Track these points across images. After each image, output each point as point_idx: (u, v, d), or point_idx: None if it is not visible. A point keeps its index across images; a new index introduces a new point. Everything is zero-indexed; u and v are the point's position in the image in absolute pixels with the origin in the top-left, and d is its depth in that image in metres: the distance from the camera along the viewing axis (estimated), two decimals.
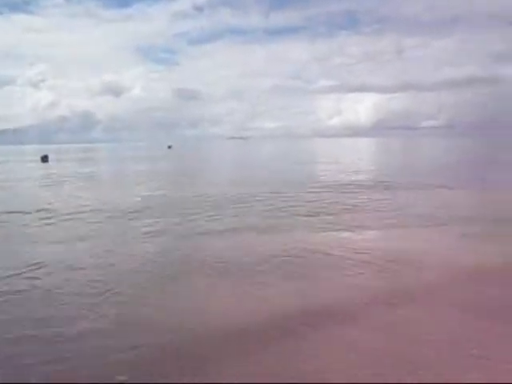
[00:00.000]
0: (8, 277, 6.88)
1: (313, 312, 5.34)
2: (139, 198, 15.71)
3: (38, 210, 13.35)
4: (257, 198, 15.03)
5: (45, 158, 47.84)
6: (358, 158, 43.33)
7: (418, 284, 6.35)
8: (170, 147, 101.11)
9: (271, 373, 3.98)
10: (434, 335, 4.69)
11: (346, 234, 9.56)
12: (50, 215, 12.52)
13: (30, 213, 13.01)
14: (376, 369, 4.01)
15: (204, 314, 5.38)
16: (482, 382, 3.76)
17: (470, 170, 27.55)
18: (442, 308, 5.49)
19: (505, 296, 5.85)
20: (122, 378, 3.94)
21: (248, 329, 4.91)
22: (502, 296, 5.85)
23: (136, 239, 9.38)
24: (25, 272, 7.11)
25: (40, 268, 7.33)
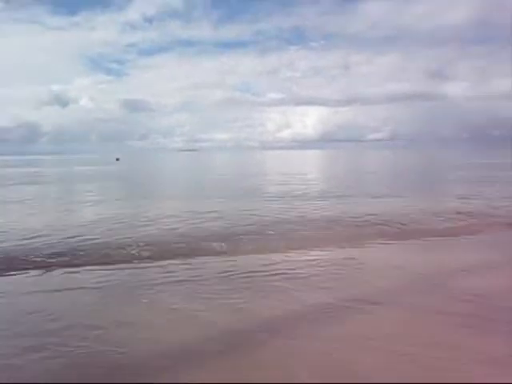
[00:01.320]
0: None
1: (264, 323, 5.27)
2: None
3: None
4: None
5: None
6: (303, 171, 44.31)
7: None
8: (118, 159, 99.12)
9: None
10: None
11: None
12: None
13: None
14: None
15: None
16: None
17: (407, 180, 29.64)
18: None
19: None
20: None
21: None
22: None
23: None
24: None
25: None
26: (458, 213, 13.72)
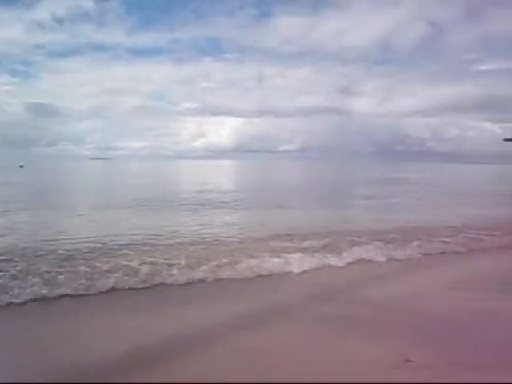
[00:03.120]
0: None
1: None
2: None
3: None
4: None
5: None
6: (217, 180, 44.49)
7: None
8: (21, 166, 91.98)
9: None
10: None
11: None
12: None
13: None
14: None
15: None
16: None
17: (313, 191, 30.89)
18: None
19: None
20: None
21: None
22: None
23: None
24: None
25: None
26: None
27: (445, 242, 10.91)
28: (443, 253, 9.98)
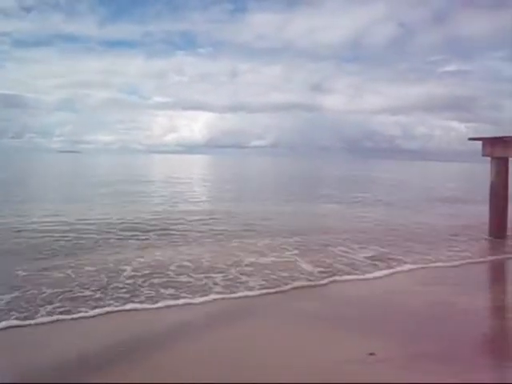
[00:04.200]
0: None
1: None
2: None
3: None
4: None
5: None
6: (190, 176, 44.47)
7: None
8: None
9: None
10: None
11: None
12: None
13: None
14: None
15: None
16: None
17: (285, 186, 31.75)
18: None
19: None
20: None
21: None
22: None
23: None
24: None
25: None
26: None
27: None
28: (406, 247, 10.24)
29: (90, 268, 7.64)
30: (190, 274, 7.43)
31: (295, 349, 4.71)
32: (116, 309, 5.76)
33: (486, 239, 11.33)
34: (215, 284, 6.90)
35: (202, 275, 7.33)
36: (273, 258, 8.69)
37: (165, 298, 6.20)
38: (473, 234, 12.02)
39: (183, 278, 7.16)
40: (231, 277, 7.29)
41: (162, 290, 6.52)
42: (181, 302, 6.12)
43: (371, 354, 4.42)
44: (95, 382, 3.91)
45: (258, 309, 6.03)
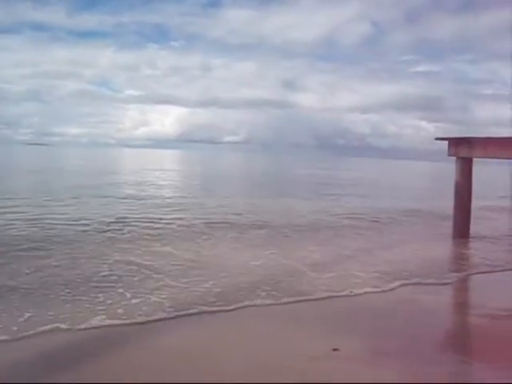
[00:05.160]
0: None
1: None
2: None
3: None
4: None
5: None
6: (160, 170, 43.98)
7: None
8: None
9: None
10: None
11: None
12: None
13: None
14: None
15: None
16: None
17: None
18: None
19: None
20: None
21: None
22: None
23: None
24: None
25: None
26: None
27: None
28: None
29: None
30: None
31: (257, 347, 4.70)
32: None
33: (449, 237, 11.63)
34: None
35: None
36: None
37: None
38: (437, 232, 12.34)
39: None
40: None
41: None
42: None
43: (335, 349, 4.46)
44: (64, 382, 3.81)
45: (220, 305, 5.96)
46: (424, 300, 6.40)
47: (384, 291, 6.74)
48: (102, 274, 7.01)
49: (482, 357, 4.64)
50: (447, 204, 12.63)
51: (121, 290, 6.25)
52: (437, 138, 12.70)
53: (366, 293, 6.61)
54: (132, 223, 11.55)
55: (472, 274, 8.26)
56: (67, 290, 6.16)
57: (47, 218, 11.62)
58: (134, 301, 5.88)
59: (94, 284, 6.51)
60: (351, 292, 6.56)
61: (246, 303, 6.01)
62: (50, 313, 5.34)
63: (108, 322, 5.19)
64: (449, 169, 13.73)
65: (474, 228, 11.83)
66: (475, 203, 12.18)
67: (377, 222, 13.97)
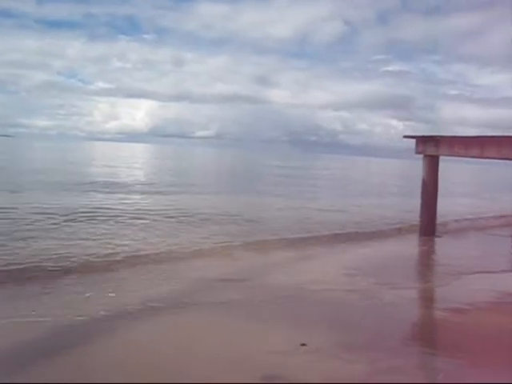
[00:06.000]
0: None
1: None
2: None
3: None
4: None
5: None
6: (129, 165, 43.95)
7: None
8: None
9: None
10: None
11: None
12: None
13: None
14: None
15: None
16: None
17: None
18: None
19: None
20: None
21: None
22: None
23: None
24: None
25: None
26: None
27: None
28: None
29: None
30: None
31: (223, 342, 4.69)
32: None
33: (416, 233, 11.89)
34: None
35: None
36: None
37: None
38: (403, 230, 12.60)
39: None
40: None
41: None
42: None
43: (303, 344, 4.49)
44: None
45: (183, 300, 5.91)
46: (389, 295, 6.53)
47: (350, 288, 6.85)
48: None
49: (446, 349, 4.79)
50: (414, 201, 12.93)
51: None
52: (405, 136, 12.94)
53: (330, 289, 6.69)
54: None
55: (436, 270, 8.50)
56: None
57: None
58: None
59: None
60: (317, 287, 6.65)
61: (209, 298, 6.00)
62: None
63: None
64: (417, 166, 14.03)
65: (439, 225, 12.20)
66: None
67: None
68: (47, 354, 4.16)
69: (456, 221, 14.69)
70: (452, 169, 54.51)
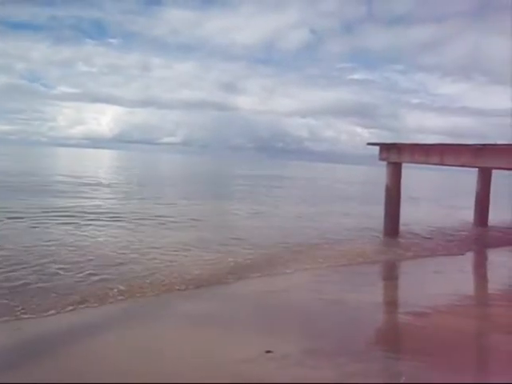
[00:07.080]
0: None
1: None
2: None
3: None
4: None
5: None
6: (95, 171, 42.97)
7: None
8: None
9: None
10: None
11: None
12: None
13: None
14: None
15: None
16: None
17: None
18: None
19: None
20: None
21: None
22: None
23: None
24: None
25: None
26: None
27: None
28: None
29: None
30: None
31: (190, 350, 4.66)
32: None
33: (380, 237, 12.15)
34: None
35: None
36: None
37: None
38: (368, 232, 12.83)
39: None
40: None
41: None
42: None
43: (268, 351, 4.49)
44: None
45: (152, 310, 5.89)
46: (352, 299, 6.63)
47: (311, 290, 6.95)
48: None
49: (409, 352, 4.89)
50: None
51: None
52: (368, 143, 13.26)
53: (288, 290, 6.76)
54: None
55: (396, 271, 8.71)
56: None
57: None
58: None
59: None
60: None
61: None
62: None
63: None
64: (381, 173, 14.35)
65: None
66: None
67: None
68: None
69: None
70: (418, 175, 56.13)
